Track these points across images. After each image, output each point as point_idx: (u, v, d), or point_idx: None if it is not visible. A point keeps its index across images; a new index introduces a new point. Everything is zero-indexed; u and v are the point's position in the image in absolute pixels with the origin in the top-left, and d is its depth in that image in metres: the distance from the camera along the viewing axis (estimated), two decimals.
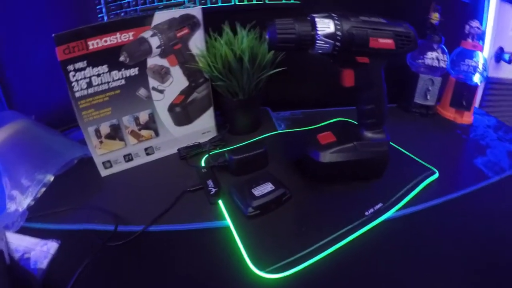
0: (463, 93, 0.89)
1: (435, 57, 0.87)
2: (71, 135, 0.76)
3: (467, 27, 0.87)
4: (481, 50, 0.88)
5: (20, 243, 0.51)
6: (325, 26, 0.51)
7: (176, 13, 0.64)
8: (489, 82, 1.14)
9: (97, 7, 0.76)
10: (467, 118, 0.91)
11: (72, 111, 0.62)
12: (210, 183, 0.61)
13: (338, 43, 0.52)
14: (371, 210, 0.58)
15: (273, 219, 0.56)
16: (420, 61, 0.88)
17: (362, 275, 0.49)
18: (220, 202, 0.59)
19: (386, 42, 0.54)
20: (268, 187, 0.57)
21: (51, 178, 0.64)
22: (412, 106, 0.93)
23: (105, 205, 0.59)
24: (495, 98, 1.17)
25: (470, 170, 0.73)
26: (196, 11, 0.65)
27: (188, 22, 0.65)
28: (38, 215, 0.57)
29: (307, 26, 0.51)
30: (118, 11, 0.77)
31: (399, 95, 0.97)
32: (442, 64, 0.87)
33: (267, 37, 0.51)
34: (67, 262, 0.49)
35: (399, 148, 0.76)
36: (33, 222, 0.56)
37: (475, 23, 0.86)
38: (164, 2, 0.76)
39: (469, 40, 0.87)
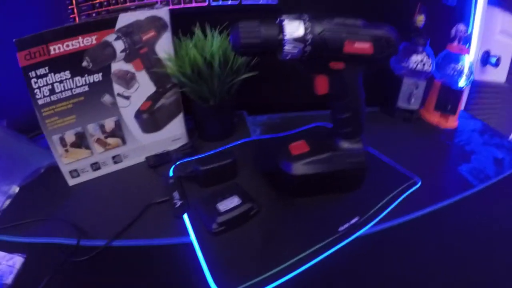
0: (448, 97, 0.87)
1: (419, 60, 0.84)
2: (41, 141, 0.72)
3: (453, 30, 0.84)
4: (467, 53, 0.85)
5: None
6: (294, 29, 0.47)
7: (141, 15, 0.60)
8: (475, 86, 1.12)
9: (69, 7, 0.72)
10: (452, 122, 0.89)
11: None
12: (176, 195, 0.58)
13: (308, 48, 0.48)
14: (346, 225, 0.55)
15: (239, 236, 0.53)
16: (404, 64, 0.85)
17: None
18: (185, 216, 0.56)
19: (363, 47, 0.50)
20: (234, 200, 0.54)
21: (16, 189, 0.61)
22: (395, 110, 0.90)
23: (70, 217, 0.56)
24: (481, 101, 1.15)
25: (454, 178, 0.70)
26: (163, 13, 0.62)
27: (155, 24, 0.62)
28: (3, 227, 0.55)
29: (273, 29, 0.47)
30: (90, 11, 0.73)
31: (381, 99, 0.94)
32: (427, 68, 0.84)
33: (230, 41, 0.48)
34: (32, 278, 0.46)
35: (380, 155, 0.73)
36: None
37: (461, 27, 0.83)
38: (137, 3, 0.73)
39: (455, 43, 0.85)
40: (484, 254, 0.53)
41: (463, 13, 0.95)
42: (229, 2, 0.75)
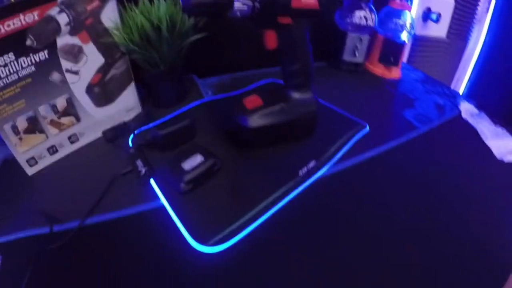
0: (390, 50, 0.92)
1: (362, 15, 0.88)
2: None
3: None
4: (409, 9, 0.90)
5: None
6: None
7: None
8: (417, 40, 1.18)
9: None
10: (395, 73, 0.95)
11: None
12: (139, 163, 0.59)
13: (257, 4, 0.50)
14: (305, 169, 0.58)
15: (207, 191, 0.55)
16: (348, 20, 0.89)
17: (303, 235, 0.50)
18: (152, 181, 0.57)
19: (310, 2, 0.54)
20: (197, 159, 0.56)
21: None
22: (341, 63, 0.96)
23: (37, 207, 0.54)
24: (422, 54, 1.23)
25: (400, 123, 0.76)
26: None
27: None
28: None
29: None
30: None
31: (328, 54, 0.98)
32: (370, 23, 0.88)
33: (180, 3, 0.48)
34: (11, 276, 0.44)
35: (329, 105, 0.77)
36: None
37: None
38: None
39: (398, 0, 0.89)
40: (427, 191, 0.59)
41: None
42: None
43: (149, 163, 0.59)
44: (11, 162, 0.60)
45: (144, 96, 0.76)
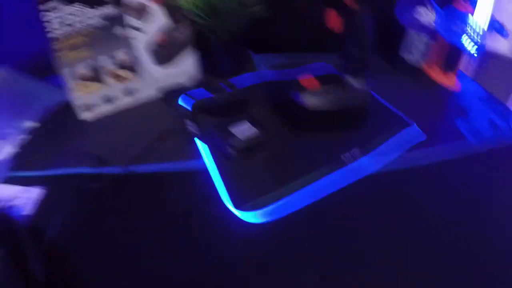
0: (450, 54, 0.88)
1: (424, 12, 0.85)
2: (52, 82, 0.72)
3: None
4: (472, 13, 0.86)
5: (4, 192, 0.51)
6: None
7: None
8: (486, 54, 1.13)
9: None
10: (451, 80, 0.90)
11: (49, 57, 0.59)
12: (188, 122, 0.61)
13: None
14: (348, 155, 0.58)
15: (249, 158, 0.56)
16: (408, 14, 0.86)
17: (336, 221, 0.51)
18: (198, 141, 0.58)
19: None
20: (246, 126, 0.57)
21: (31, 124, 0.62)
22: (396, 59, 0.92)
23: (87, 148, 0.58)
24: (484, 68, 1.16)
25: (450, 130, 0.73)
26: None
27: None
28: (22, 163, 0.55)
29: None
30: None
31: (384, 47, 0.95)
32: (431, 21, 0.85)
33: None
34: (52, 207, 0.49)
35: (378, 98, 0.76)
36: (17, 171, 0.54)
37: None
38: None
39: (461, 0, 0.85)
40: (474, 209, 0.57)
41: None
42: None
43: (198, 123, 0.61)
44: (68, 105, 0.64)
45: (202, 62, 0.78)
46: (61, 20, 0.57)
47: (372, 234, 0.49)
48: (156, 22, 0.66)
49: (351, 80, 0.61)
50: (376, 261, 0.46)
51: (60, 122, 0.64)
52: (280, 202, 0.49)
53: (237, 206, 0.48)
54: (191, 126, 0.60)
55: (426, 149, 0.65)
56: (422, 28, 0.87)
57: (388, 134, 0.65)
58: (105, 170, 0.53)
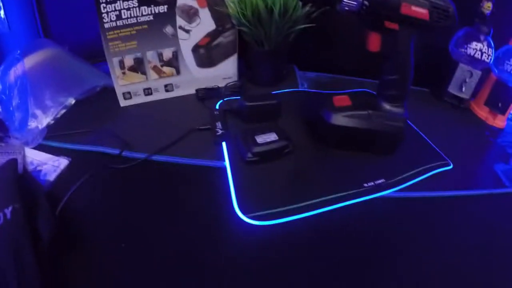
0: (501, 95, 0.84)
1: (479, 48, 0.82)
2: (100, 68, 0.78)
3: None
4: None
5: (35, 157, 0.56)
6: None
7: None
8: None
9: None
10: (499, 121, 0.86)
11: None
12: (218, 125, 0.63)
13: (366, 3, 0.50)
14: (371, 184, 0.56)
15: (270, 169, 0.56)
16: (462, 49, 0.83)
17: (341, 245, 0.48)
18: (224, 144, 0.60)
19: (420, 11, 0.52)
20: (271, 136, 0.57)
21: (72, 101, 0.66)
22: (444, 94, 0.89)
23: (117, 132, 0.62)
24: None
25: (487, 173, 0.69)
26: None
27: None
28: (55, 134, 0.61)
29: None
30: None
31: (434, 81, 0.93)
32: (485, 58, 0.82)
33: None
34: (72, 178, 0.52)
35: (418, 131, 0.73)
36: (50, 140, 0.60)
37: None
38: None
39: None
40: (491, 253, 0.52)
41: None
42: None
43: (228, 127, 0.63)
44: (110, 90, 0.69)
45: (244, 70, 0.80)
46: (116, 13, 0.62)
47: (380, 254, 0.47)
48: (203, 26, 0.69)
49: (386, 105, 0.60)
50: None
51: (100, 104, 0.69)
52: (286, 220, 0.49)
53: (243, 212, 0.48)
54: (219, 128, 0.61)
55: (451, 182, 0.63)
56: (475, 65, 0.83)
57: (420, 170, 0.62)
58: (128, 154, 0.57)
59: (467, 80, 0.85)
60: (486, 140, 0.81)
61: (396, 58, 0.57)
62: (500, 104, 0.84)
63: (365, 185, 0.56)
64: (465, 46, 0.83)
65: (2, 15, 0.83)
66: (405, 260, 0.48)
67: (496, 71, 0.84)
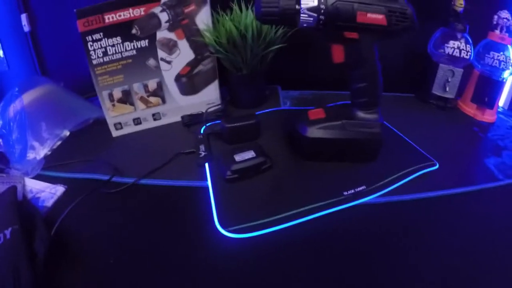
0: (486, 89, 0.84)
1: (457, 46, 0.83)
2: (93, 102, 0.83)
3: (496, 17, 0.81)
4: (509, 43, 0.82)
5: (34, 186, 0.60)
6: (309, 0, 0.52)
7: None
8: None
9: None
10: (488, 116, 0.86)
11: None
12: (202, 147, 0.66)
13: (322, 17, 0.52)
14: (351, 191, 0.57)
15: (249, 185, 0.58)
16: (441, 50, 0.85)
17: (324, 253, 0.49)
18: (206, 165, 0.63)
19: (376, 17, 0.53)
20: (249, 154, 0.60)
21: (67, 133, 0.71)
22: (429, 97, 0.90)
23: (110, 160, 0.66)
24: None
25: (478, 169, 0.69)
26: None
27: None
28: (52, 165, 0.66)
29: (291, 0, 0.52)
30: None
31: (418, 85, 0.94)
32: (465, 55, 0.83)
33: (254, 10, 0.54)
34: (69, 203, 0.56)
35: (402, 135, 0.74)
36: (47, 170, 0.65)
37: (504, 13, 0.80)
38: None
39: (497, 31, 0.82)
40: (489, 248, 0.51)
41: None
42: None
43: (210, 150, 0.66)
44: (102, 122, 0.74)
45: (225, 94, 0.84)
46: (103, 50, 0.68)
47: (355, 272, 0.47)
48: (183, 56, 0.73)
49: (360, 113, 0.61)
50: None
51: (93, 135, 0.74)
52: (266, 231, 0.50)
53: (223, 226, 0.50)
54: (203, 151, 0.65)
55: (439, 181, 0.63)
56: (456, 63, 0.84)
57: (404, 174, 0.62)
58: (119, 179, 0.61)
59: (449, 79, 0.86)
60: (475, 136, 0.81)
61: (362, 66, 0.58)
62: (486, 99, 0.85)
63: (345, 193, 0.57)
64: (443, 46, 0.84)
65: (1, 54, 0.91)
66: (396, 266, 0.48)
67: (479, 66, 0.85)
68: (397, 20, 0.54)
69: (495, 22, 0.82)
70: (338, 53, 0.58)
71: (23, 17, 0.90)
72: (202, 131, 0.72)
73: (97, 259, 0.47)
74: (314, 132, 0.61)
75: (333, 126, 0.61)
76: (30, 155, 0.66)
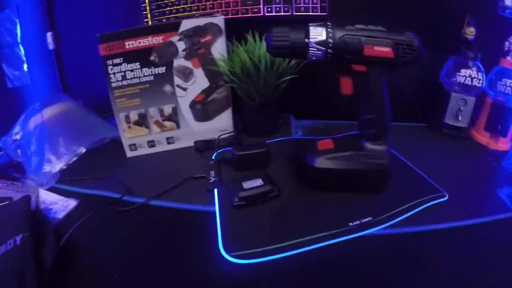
0: (499, 116, 0.83)
1: (468, 75, 0.82)
2: (110, 122, 0.87)
3: (507, 43, 0.81)
4: None
5: (48, 197, 0.64)
6: (318, 33, 0.53)
7: (201, 21, 0.72)
8: None
9: (143, 13, 0.90)
10: (502, 144, 0.84)
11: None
12: (212, 173, 0.68)
13: (330, 50, 0.54)
14: (357, 222, 0.57)
15: (256, 212, 0.59)
16: (453, 79, 0.85)
17: (328, 283, 0.49)
18: (215, 190, 0.65)
19: (383, 50, 0.54)
20: (257, 182, 0.61)
21: (83, 150, 0.76)
22: (442, 126, 0.89)
23: (122, 179, 0.69)
24: None
25: (489, 199, 0.67)
26: (219, 20, 0.74)
27: (212, 29, 0.73)
28: (67, 179, 0.70)
29: (301, 34, 0.54)
30: (160, 17, 0.90)
31: (430, 114, 0.93)
32: (476, 83, 0.82)
33: (265, 43, 0.56)
34: (79, 217, 0.59)
35: (412, 165, 0.73)
36: (61, 184, 0.69)
37: None
38: (201, 11, 0.87)
39: (509, 58, 0.81)
40: (499, 280, 0.50)
41: None
42: (282, 13, 0.84)
43: (220, 176, 0.68)
44: (118, 142, 0.78)
45: (239, 122, 0.87)
46: (122, 74, 0.72)
47: None
48: (198, 84, 0.77)
49: (368, 144, 0.62)
50: None
51: (108, 154, 0.78)
52: (269, 258, 0.51)
53: (227, 251, 0.51)
54: (213, 176, 0.67)
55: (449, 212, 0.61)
56: (468, 92, 0.84)
57: (411, 206, 0.61)
58: (129, 198, 0.64)
59: (461, 108, 0.85)
60: (488, 165, 0.79)
61: (370, 97, 0.59)
62: (500, 127, 0.83)
63: (351, 224, 0.57)
64: (455, 74, 0.84)
65: (25, 69, 0.97)
66: None
67: (492, 93, 0.84)
68: (404, 53, 0.55)
69: (506, 48, 0.81)
70: (346, 85, 0.60)
71: (49, 35, 0.96)
72: (213, 157, 0.74)
73: (103, 274, 0.49)
74: (322, 162, 0.61)
75: (341, 157, 0.61)
76: (46, 168, 0.70)
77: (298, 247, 0.53)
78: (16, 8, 0.97)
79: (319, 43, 0.54)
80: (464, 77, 0.83)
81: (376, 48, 0.54)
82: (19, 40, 0.99)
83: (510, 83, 0.81)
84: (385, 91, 0.59)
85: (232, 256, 0.51)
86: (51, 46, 0.98)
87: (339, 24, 0.54)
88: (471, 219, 0.61)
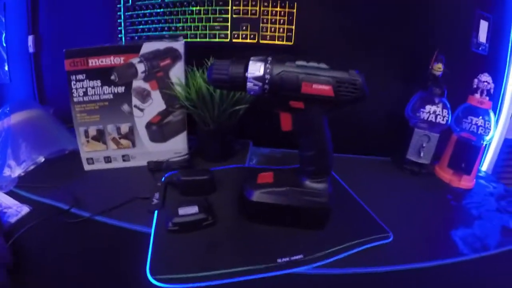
0: (463, 154, 0.82)
1: (433, 111, 0.82)
2: (74, 133, 0.88)
3: (476, 80, 0.80)
4: (489, 107, 0.80)
5: (3, 200, 0.66)
6: (256, 69, 0.54)
7: (161, 45, 0.74)
8: (509, 145, 1.00)
9: (118, 28, 0.93)
10: (465, 182, 0.83)
11: None
12: (156, 195, 0.69)
13: (266, 86, 0.54)
14: (286, 259, 0.56)
15: (188, 238, 0.60)
16: (418, 114, 0.84)
17: None
18: (156, 212, 0.65)
19: (323, 88, 0.53)
20: (193, 209, 0.62)
21: (42, 159, 0.78)
22: (404, 162, 0.88)
23: (76, 191, 0.71)
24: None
25: (441, 242, 0.66)
26: (179, 45, 0.75)
27: (171, 54, 0.75)
28: (24, 185, 0.72)
29: (240, 68, 0.55)
30: (133, 34, 0.93)
31: (395, 149, 0.92)
32: (440, 120, 0.81)
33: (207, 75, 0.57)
34: (28, 223, 0.61)
35: (362, 202, 0.72)
36: (18, 189, 0.71)
37: (484, 77, 0.79)
38: (171, 32, 0.88)
39: (477, 95, 0.80)
40: None
41: (495, 63, 0.89)
42: (248, 40, 0.85)
43: (164, 199, 0.69)
44: (77, 154, 0.80)
45: (193, 145, 0.87)
46: (84, 90, 0.74)
47: None
48: (155, 105, 0.78)
49: (307, 181, 0.61)
50: None
51: (66, 165, 0.80)
52: (194, 285, 0.51)
53: (152, 274, 0.52)
54: (156, 199, 0.68)
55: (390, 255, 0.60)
56: (432, 128, 0.83)
57: (351, 245, 0.60)
58: (76, 211, 0.66)
59: (424, 145, 0.84)
60: (447, 204, 0.78)
61: (310, 135, 0.58)
62: (463, 164, 0.82)
63: (279, 260, 0.56)
64: (420, 110, 0.83)
65: (6, 68, 1.00)
66: None
67: (457, 130, 0.83)
68: (347, 91, 0.54)
69: (475, 86, 0.81)
70: (286, 121, 0.60)
71: (30, 39, 1.00)
72: (163, 179, 0.75)
73: (42, 278, 0.52)
74: (258, 196, 0.61)
75: (278, 192, 0.61)
76: (6, 172, 0.73)
77: (223, 278, 0.52)
78: (3, 7, 1.02)
79: (256, 78, 0.54)
80: (429, 114, 0.82)
81: (314, 86, 0.54)
82: (3, 39, 1.03)
83: (476, 121, 0.80)
84: (326, 129, 0.58)
85: (155, 279, 0.51)
86: (31, 49, 1.01)
87: (279, 60, 0.55)
88: (412, 263, 0.59)
